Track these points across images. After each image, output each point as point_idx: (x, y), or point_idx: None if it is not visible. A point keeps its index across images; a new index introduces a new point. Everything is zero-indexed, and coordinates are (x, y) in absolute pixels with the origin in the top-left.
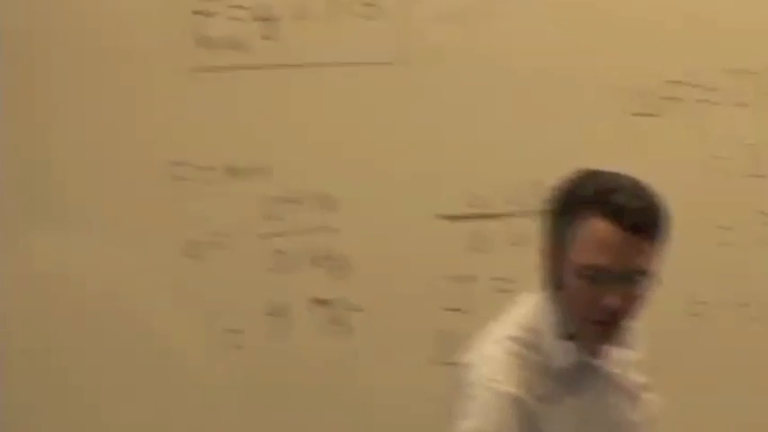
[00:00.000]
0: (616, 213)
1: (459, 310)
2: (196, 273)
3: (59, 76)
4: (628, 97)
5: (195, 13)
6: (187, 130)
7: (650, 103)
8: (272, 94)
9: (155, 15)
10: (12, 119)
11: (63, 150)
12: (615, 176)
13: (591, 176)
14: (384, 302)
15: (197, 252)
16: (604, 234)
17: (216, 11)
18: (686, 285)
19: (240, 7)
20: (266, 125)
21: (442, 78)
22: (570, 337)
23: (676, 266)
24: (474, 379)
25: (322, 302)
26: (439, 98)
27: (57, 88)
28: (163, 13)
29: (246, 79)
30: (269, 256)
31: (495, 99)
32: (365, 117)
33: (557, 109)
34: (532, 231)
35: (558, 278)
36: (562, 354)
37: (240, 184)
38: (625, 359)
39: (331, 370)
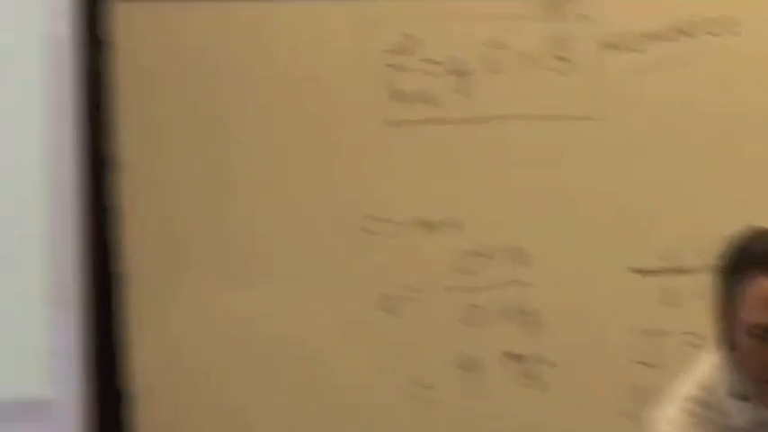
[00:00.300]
0: None
1: (651, 364)
2: (389, 326)
3: (255, 130)
4: None
5: (388, 66)
6: (380, 183)
7: None
8: (464, 148)
9: (349, 69)
10: (207, 175)
11: (257, 204)
12: None
13: (760, 235)
14: (576, 357)
15: (390, 306)
16: None
17: (409, 65)
18: None
19: (433, 62)
20: (458, 179)
21: (634, 131)
22: (745, 396)
23: None
24: None
25: (515, 357)
26: (632, 151)
27: (253, 142)
28: (357, 67)
29: (439, 133)
30: (461, 310)
31: (690, 151)
32: (557, 171)
33: (753, 160)
34: None
35: (730, 337)
36: (736, 412)
37: (433, 238)
38: None
39: (525, 424)
